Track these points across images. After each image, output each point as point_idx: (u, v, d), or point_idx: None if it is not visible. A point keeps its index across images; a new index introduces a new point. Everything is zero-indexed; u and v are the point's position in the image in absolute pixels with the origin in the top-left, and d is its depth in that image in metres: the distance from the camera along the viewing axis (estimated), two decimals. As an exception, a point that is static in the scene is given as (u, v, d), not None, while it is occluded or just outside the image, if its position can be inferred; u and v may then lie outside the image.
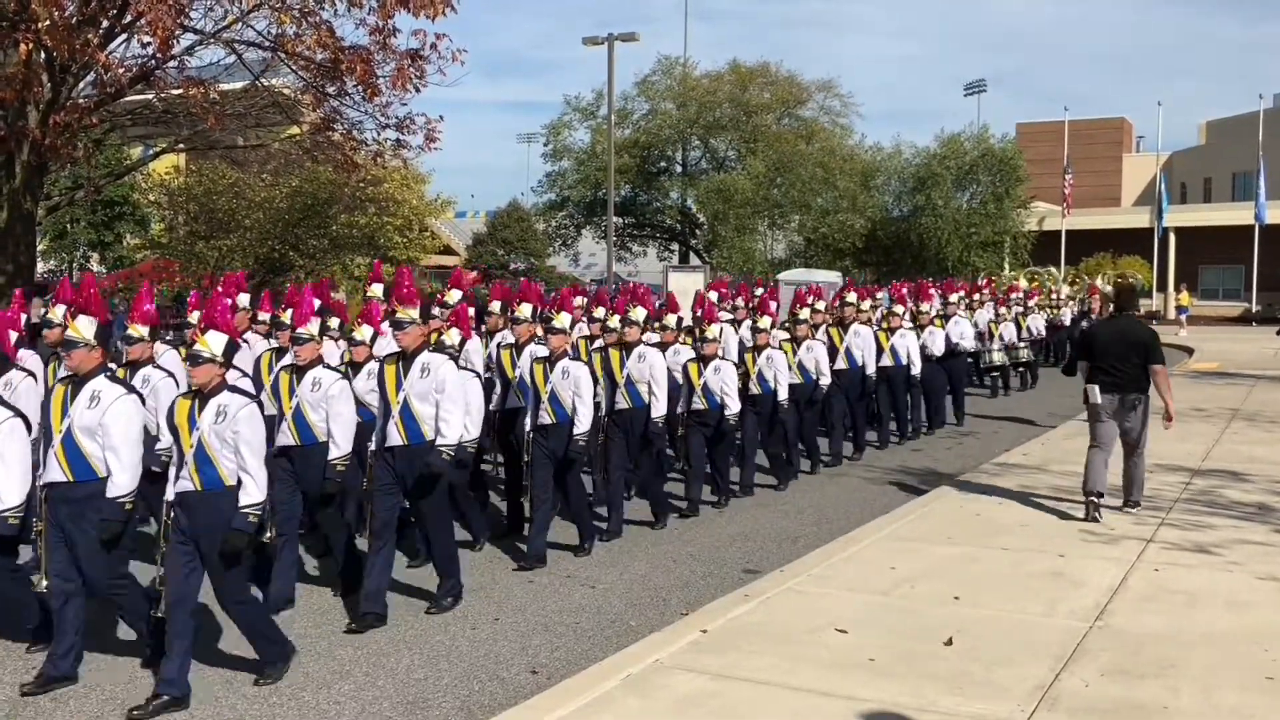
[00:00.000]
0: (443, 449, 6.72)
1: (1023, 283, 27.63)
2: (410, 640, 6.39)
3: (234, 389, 5.69)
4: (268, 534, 6.66)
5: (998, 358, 18.56)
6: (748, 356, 10.75)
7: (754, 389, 10.42)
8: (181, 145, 19.07)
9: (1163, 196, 47.72)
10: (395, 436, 6.77)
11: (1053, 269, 40.18)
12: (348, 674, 5.86)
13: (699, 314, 11.45)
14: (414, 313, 6.90)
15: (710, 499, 10.06)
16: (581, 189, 47.91)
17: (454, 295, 10.03)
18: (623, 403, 8.98)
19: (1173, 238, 48.43)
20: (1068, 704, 5.07)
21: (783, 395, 10.50)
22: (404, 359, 6.88)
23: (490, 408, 8.82)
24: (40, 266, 39.30)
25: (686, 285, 30.24)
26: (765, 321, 10.92)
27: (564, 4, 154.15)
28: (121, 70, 13.86)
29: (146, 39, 13.19)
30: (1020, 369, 20.09)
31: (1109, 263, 45.36)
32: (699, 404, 9.64)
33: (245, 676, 5.78)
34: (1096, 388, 8.80)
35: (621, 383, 8.95)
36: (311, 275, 25.63)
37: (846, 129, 48.11)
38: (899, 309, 13.94)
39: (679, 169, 50.09)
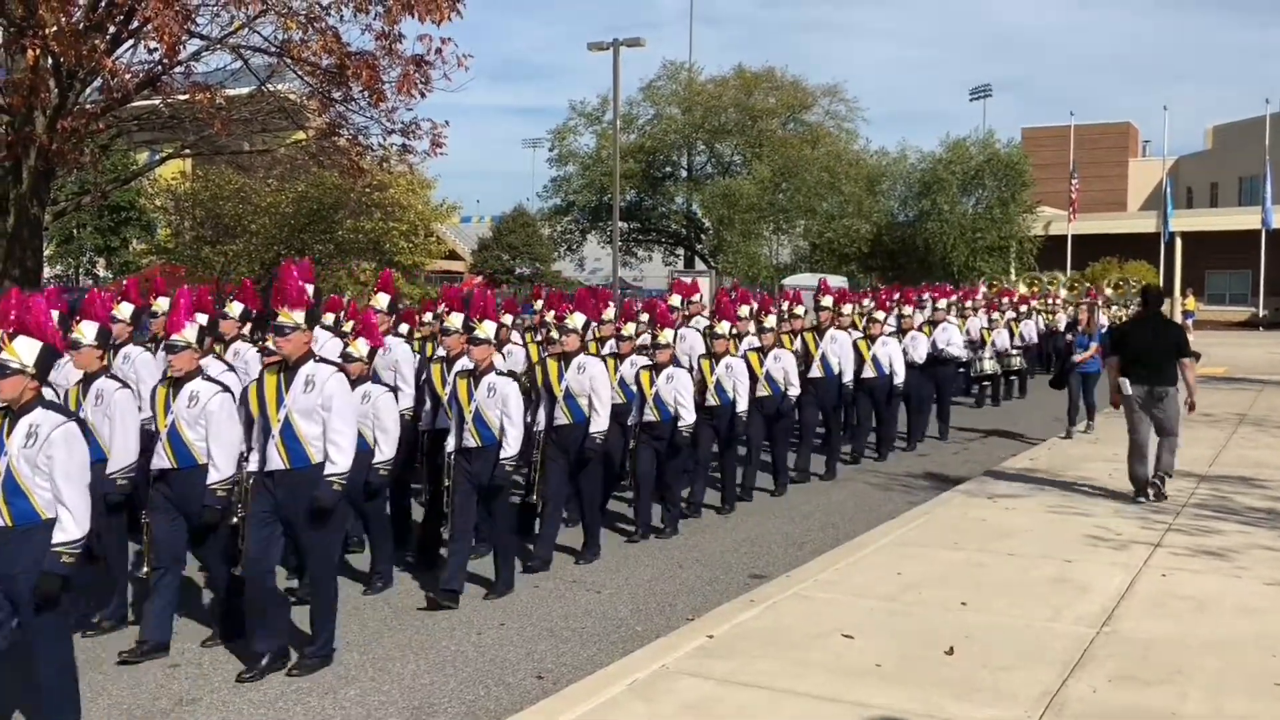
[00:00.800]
0: (331, 478, 5.86)
1: (1022, 287, 27.12)
2: (416, 646, 6.38)
3: (50, 405, 4.95)
4: (144, 569, 6.29)
5: (989, 366, 17.91)
6: (704, 365, 9.96)
7: (711, 400, 9.73)
8: (188, 150, 19.10)
9: (1168, 201, 47.68)
10: (276, 459, 5.88)
11: (1059, 274, 40.00)
12: (353, 679, 5.86)
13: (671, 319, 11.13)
14: (298, 316, 5.94)
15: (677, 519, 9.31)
16: (587, 194, 47.99)
17: (381, 300, 9.27)
18: (562, 418, 8.17)
19: (1179, 242, 48.37)
20: (1075, 710, 5.05)
21: (742, 407, 9.80)
22: (286, 369, 5.98)
23: (420, 426, 8.36)
24: (47, 271, 39.38)
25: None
26: (724, 327, 10.21)
27: (569, 9, 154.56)
28: (128, 76, 13.89)
29: (153, 45, 13.23)
30: (1012, 377, 19.44)
31: (1115, 267, 45.30)
32: (650, 415, 8.93)
33: (254, 683, 5.77)
34: (1128, 381, 9.60)
35: (560, 396, 8.14)
36: (317, 280, 25.65)
37: (852, 134, 48.21)
38: (880, 315, 13.16)
39: (684, 174, 50.14)
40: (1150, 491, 9.63)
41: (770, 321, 11.14)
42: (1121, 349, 9.86)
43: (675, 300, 12.38)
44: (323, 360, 6.09)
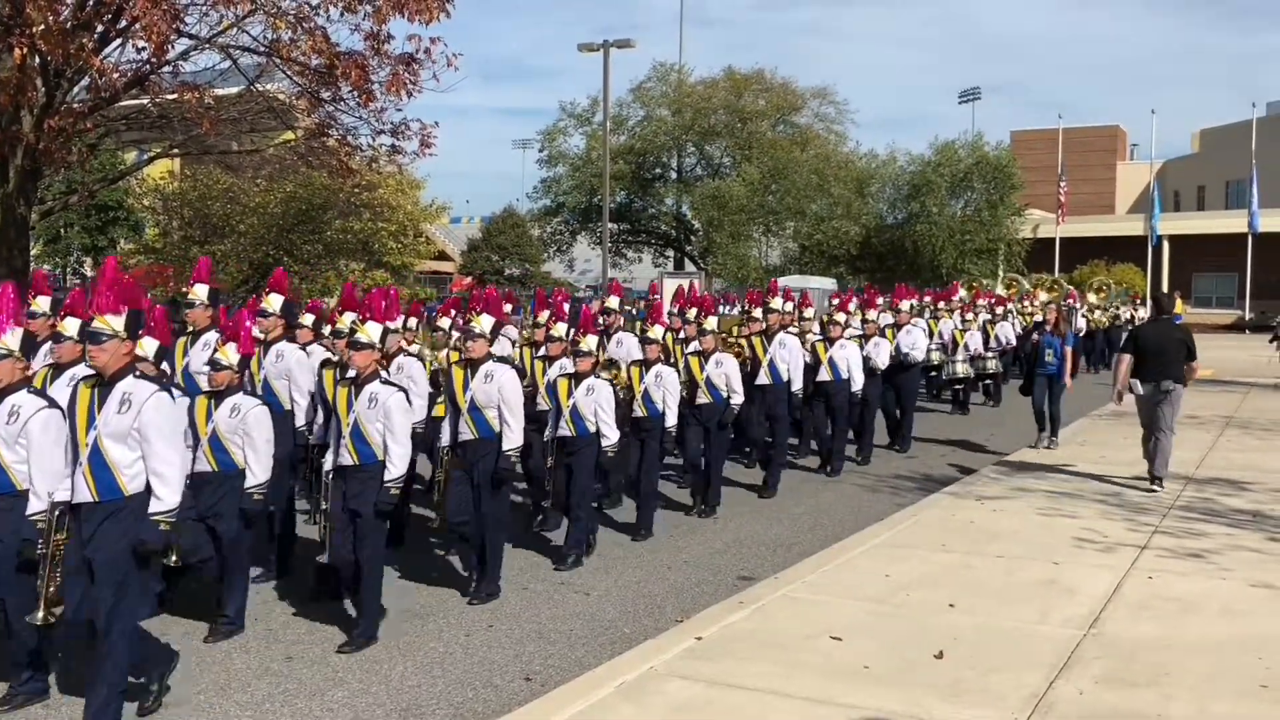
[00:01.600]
0: (156, 516, 5.05)
1: (1000, 289, 26.83)
2: (404, 648, 6.37)
3: (142, 375, 5.22)
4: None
5: (961, 370, 17.15)
6: (634, 373, 9.24)
7: (639, 410, 9.08)
8: (176, 150, 19.03)
9: (1156, 204, 47.90)
10: (84, 491, 5.04)
11: (1045, 275, 40.03)
12: (341, 681, 5.84)
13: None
14: (117, 323, 5.12)
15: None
16: (577, 195, 47.99)
17: (273, 301, 8.21)
18: (467, 433, 7.37)
19: (1166, 245, 48.62)
20: (1062, 711, 5.07)
21: (671, 420, 9.13)
22: (101, 385, 5.13)
23: (312, 439, 7.78)
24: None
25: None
26: (656, 331, 9.46)
27: (560, 10, 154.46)
28: (116, 75, 13.83)
29: (141, 44, 13.17)
30: (986, 382, 18.69)
31: (1102, 269, 45.49)
32: (565, 429, 8.17)
33: (239, 683, 5.76)
34: (1138, 382, 10.48)
35: (464, 407, 7.29)
36: (306, 280, 25.65)
37: (841, 136, 48.34)
38: (840, 317, 12.31)
39: (674, 175, 50.18)
40: (1150, 481, 10.57)
41: (711, 323, 10.29)
42: (1135, 348, 10.64)
43: (612, 302, 11.56)
44: (144, 377, 5.21)
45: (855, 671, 5.59)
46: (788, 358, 11.06)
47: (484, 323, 7.53)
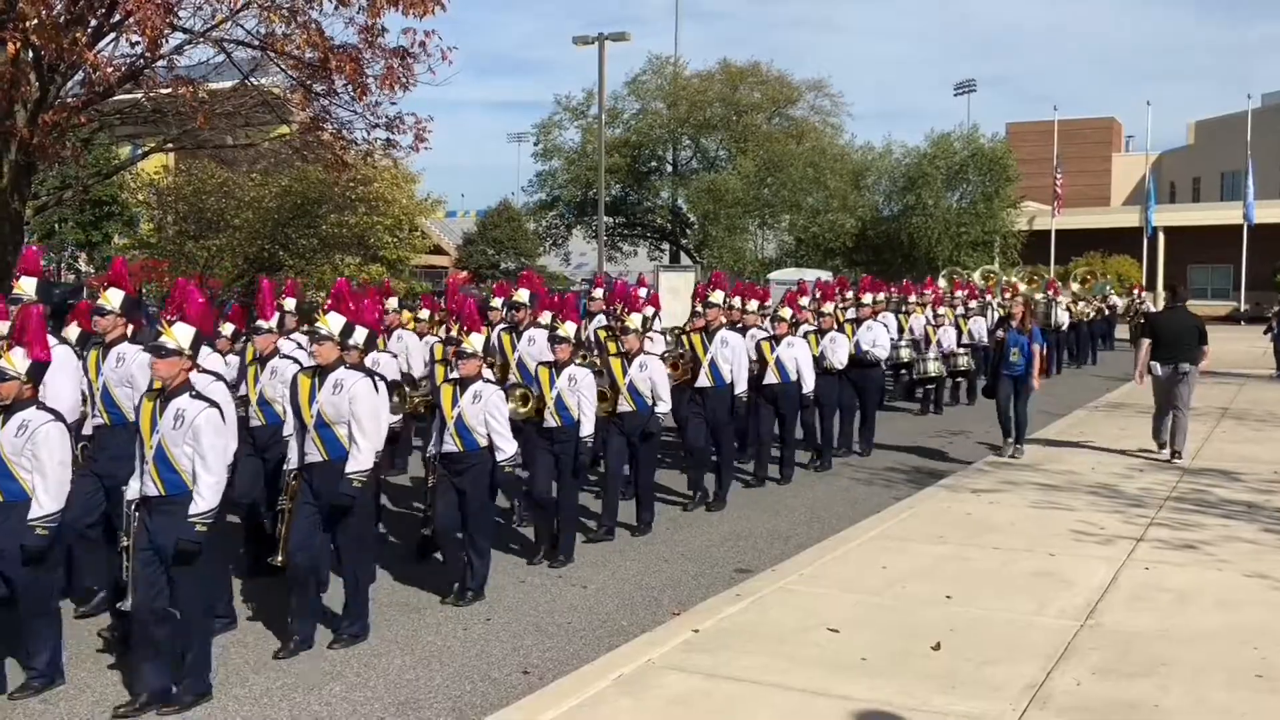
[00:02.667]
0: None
1: (977, 280, 25.87)
2: (402, 641, 6.37)
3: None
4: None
5: (933, 368, 16.08)
6: (543, 375, 8.24)
7: (550, 420, 8.02)
8: (170, 144, 18.98)
9: (1151, 196, 47.93)
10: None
11: (1026, 267, 39.72)
12: (339, 675, 5.85)
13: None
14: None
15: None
16: (572, 188, 47.96)
17: (112, 297, 6.99)
18: (451, 445, 7.11)
19: (1162, 237, 48.60)
20: (1059, 703, 5.08)
21: (586, 430, 8.02)
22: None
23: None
24: (28, 266, 39.07)
25: (678, 285, 30.26)
26: (568, 329, 8.34)
27: (555, 4, 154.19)
28: (110, 69, 13.77)
29: (135, 38, 13.13)
30: (958, 380, 17.58)
31: (1097, 261, 45.51)
32: (451, 444, 7.14)
33: (237, 677, 5.76)
34: (1157, 364, 11.59)
35: (311, 424, 6.39)
36: (301, 275, 25.62)
37: (837, 128, 48.27)
38: (786, 313, 11.14)
39: (669, 168, 50.12)
40: (1170, 455, 11.57)
41: (635, 321, 9.10)
42: (1153, 334, 11.88)
43: (522, 295, 10.15)
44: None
45: (852, 663, 5.60)
46: (730, 356, 10.01)
47: (333, 322, 6.52)
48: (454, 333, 8.92)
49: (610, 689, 5.29)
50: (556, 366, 8.09)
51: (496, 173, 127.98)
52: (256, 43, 14.54)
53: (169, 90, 15.14)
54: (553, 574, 7.82)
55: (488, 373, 7.61)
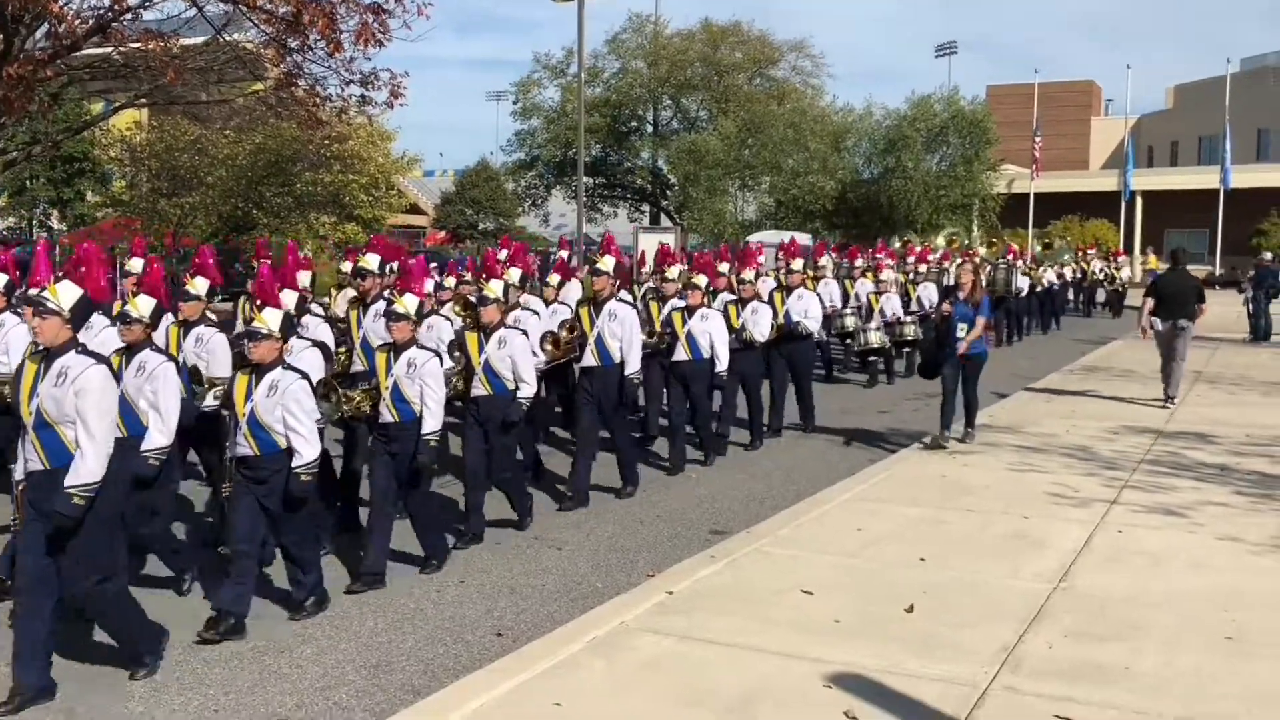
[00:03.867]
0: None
1: (940, 241, 25.58)
2: (374, 604, 6.33)
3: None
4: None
5: (875, 338, 14.99)
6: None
7: (387, 415, 6.81)
8: (142, 100, 18.67)
9: (1130, 160, 47.99)
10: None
11: (1022, 231, 39.60)
12: (310, 638, 5.80)
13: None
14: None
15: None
16: (551, 148, 47.58)
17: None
18: (387, 415, 6.81)
19: (1139, 201, 48.75)
20: (1031, 666, 5.10)
21: (429, 426, 6.76)
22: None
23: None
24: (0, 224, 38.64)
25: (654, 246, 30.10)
26: (496, 287, 7.64)
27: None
28: (77, 22, 13.51)
29: (102, -11, 12.87)
30: (907, 350, 16.18)
31: (1076, 225, 45.63)
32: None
33: (213, 644, 5.71)
34: (1158, 320, 12.82)
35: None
36: (276, 233, 25.37)
37: (818, 89, 48.04)
38: (701, 280, 10.08)
39: (650, 129, 49.80)
40: (1165, 400, 12.89)
41: (495, 289, 7.93)
42: (1156, 294, 12.99)
43: (370, 262, 8.79)
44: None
45: (826, 626, 5.60)
46: (619, 331, 8.80)
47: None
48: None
49: (583, 651, 5.27)
50: (395, 349, 6.82)
51: (475, 131, 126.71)
52: (228, -4, 14.29)
53: (139, 44, 14.88)
54: (528, 536, 7.79)
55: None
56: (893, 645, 5.32)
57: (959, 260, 22.44)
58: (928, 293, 16.49)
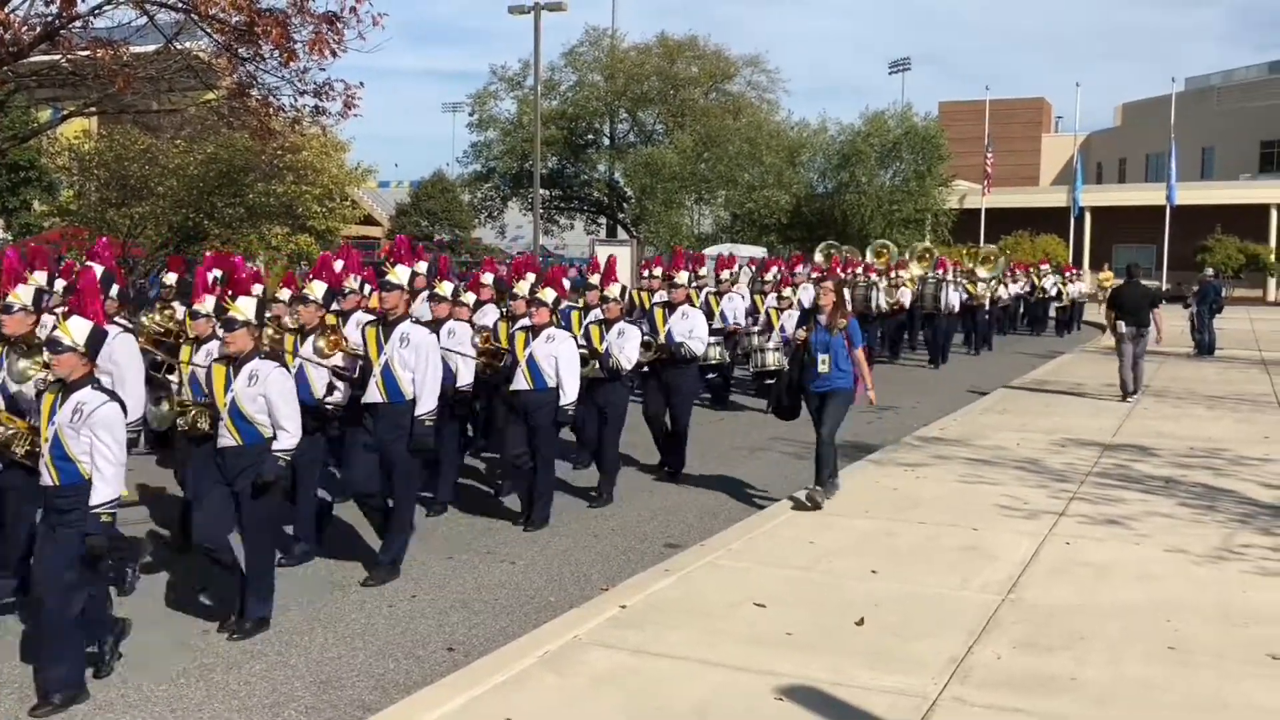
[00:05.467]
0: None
1: (869, 257, 23.01)
2: (325, 619, 6.27)
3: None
4: None
5: (772, 359, 12.99)
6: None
7: (227, 437, 6.18)
8: (91, 108, 18.42)
9: (1079, 176, 48.82)
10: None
11: (917, 243, 37.43)
12: (259, 653, 5.73)
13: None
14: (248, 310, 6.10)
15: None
16: (507, 160, 47.54)
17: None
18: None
19: (1089, 217, 49.61)
20: (980, 677, 5.15)
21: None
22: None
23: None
24: (-58, 233, 37.88)
25: (617, 260, 30.11)
26: (244, 306, 6.24)
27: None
28: (24, 29, 13.32)
29: (49, -4, 12.70)
30: (769, 381, 13.12)
31: (1026, 240, 46.29)
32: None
33: (156, 657, 5.62)
34: (1123, 324, 14.70)
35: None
36: (227, 244, 25.09)
37: (773, 105, 48.45)
38: (549, 294, 8.40)
39: (607, 142, 49.91)
40: (1130, 397, 14.68)
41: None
42: (1118, 304, 15.03)
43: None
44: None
45: (778, 639, 5.62)
46: (414, 359, 7.58)
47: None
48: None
49: (536, 666, 5.25)
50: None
51: (431, 143, 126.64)
52: (180, 4, 14.16)
53: (88, 52, 14.69)
54: (480, 550, 7.75)
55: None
56: (844, 657, 5.36)
57: (914, 273, 22.01)
58: (732, 306, 14.40)
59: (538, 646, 5.49)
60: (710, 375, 13.97)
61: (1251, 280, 46.16)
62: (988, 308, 24.31)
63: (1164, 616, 5.99)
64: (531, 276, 9.21)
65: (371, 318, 7.91)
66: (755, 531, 7.83)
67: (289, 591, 6.64)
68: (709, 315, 13.25)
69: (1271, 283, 47.64)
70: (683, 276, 10.92)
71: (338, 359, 7.34)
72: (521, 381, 8.31)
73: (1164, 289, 44.03)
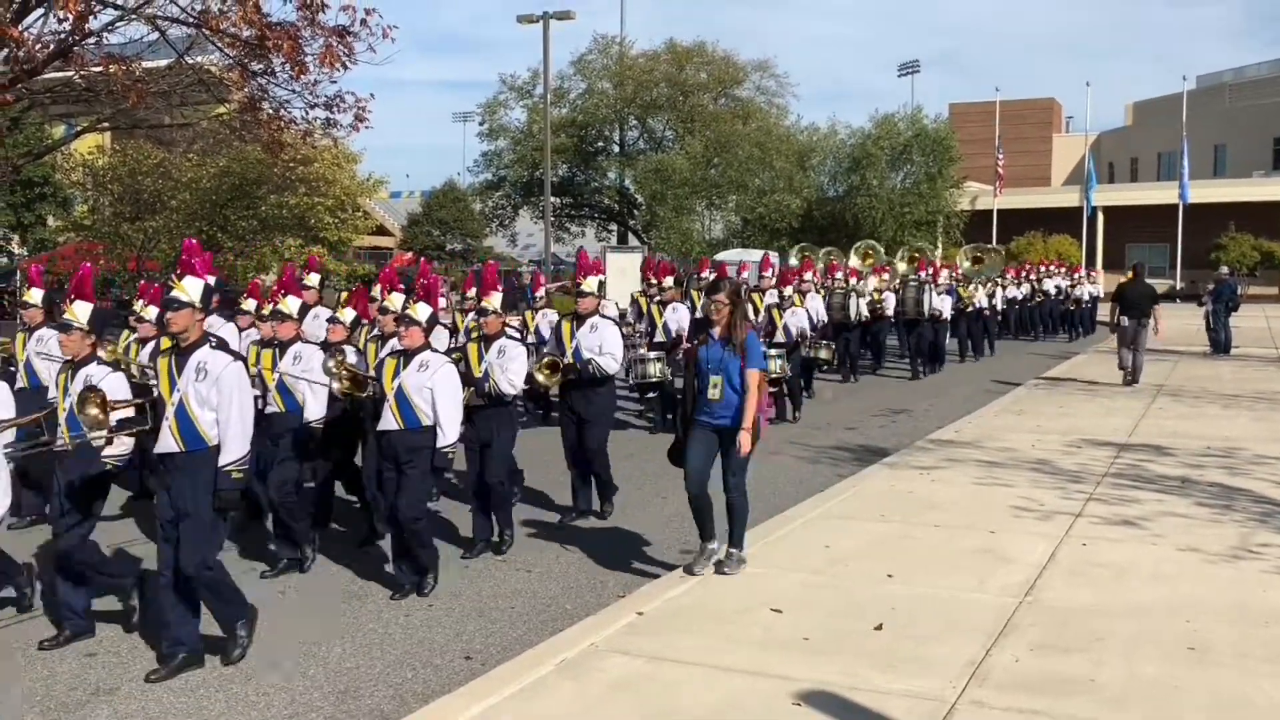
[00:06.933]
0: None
1: (854, 260, 22.37)
2: (342, 629, 6.29)
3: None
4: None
5: (654, 370, 11.67)
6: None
7: (173, 444, 5.62)
8: (104, 124, 18.58)
9: (1091, 176, 48.65)
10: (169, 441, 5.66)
11: (910, 242, 35.73)
12: (277, 664, 5.76)
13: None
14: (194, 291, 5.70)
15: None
16: (518, 169, 47.64)
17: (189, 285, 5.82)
18: (169, 442, 5.68)
19: (1101, 216, 49.42)
20: (998, 680, 5.14)
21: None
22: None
23: None
24: (-42, 249, 38.16)
25: (625, 265, 30.20)
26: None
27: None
28: (38, 46, 13.44)
29: (62, 14, 12.81)
30: (771, 390, 11.60)
31: (1039, 240, 46.15)
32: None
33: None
34: (1125, 318, 16.48)
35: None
36: (241, 257, 25.25)
37: (783, 109, 48.46)
38: (420, 311, 7.02)
39: (616, 149, 49.99)
40: (1129, 380, 16.37)
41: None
42: (1122, 299, 16.79)
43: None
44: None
45: (794, 643, 5.62)
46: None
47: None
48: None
49: (552, 673, 5.26)
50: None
51: (442, 153, 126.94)
52: (192, 20, 14.29)
53: (101, 69, 14.81)
54: (496, 559, 7.77)
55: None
56: (861, 662, 5.35)
57: (901, 272, 21.50)
58: (797, 320, 13.75)
59: (555, 654, 5.50)
60: (651, 395, 13.04)
61: (1267, 278, 45.89)
62: (986, 311, 23.10)
63: (1183, 617, 5.97)
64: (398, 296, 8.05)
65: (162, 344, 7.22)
66: (771, 536, 7.83)
67: (306, 602, 6.68)
68: (651, 327, 12.91)
69: (1287, 280, 47.39)
70: (591, 283, 8.92)
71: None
72: (390, 419, 6.87)
73: (1179, 287, 43.98)
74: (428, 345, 7.00)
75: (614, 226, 51.00)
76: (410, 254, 48.55)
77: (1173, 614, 6.03)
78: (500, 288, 8.41)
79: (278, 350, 7.78)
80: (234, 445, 5.56)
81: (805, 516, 8.40)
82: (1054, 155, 63.23)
